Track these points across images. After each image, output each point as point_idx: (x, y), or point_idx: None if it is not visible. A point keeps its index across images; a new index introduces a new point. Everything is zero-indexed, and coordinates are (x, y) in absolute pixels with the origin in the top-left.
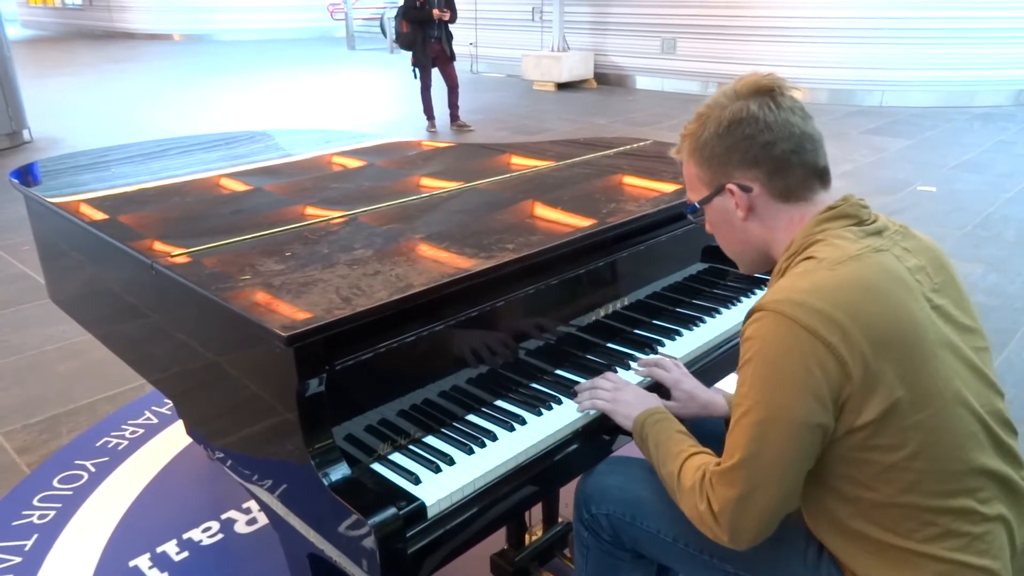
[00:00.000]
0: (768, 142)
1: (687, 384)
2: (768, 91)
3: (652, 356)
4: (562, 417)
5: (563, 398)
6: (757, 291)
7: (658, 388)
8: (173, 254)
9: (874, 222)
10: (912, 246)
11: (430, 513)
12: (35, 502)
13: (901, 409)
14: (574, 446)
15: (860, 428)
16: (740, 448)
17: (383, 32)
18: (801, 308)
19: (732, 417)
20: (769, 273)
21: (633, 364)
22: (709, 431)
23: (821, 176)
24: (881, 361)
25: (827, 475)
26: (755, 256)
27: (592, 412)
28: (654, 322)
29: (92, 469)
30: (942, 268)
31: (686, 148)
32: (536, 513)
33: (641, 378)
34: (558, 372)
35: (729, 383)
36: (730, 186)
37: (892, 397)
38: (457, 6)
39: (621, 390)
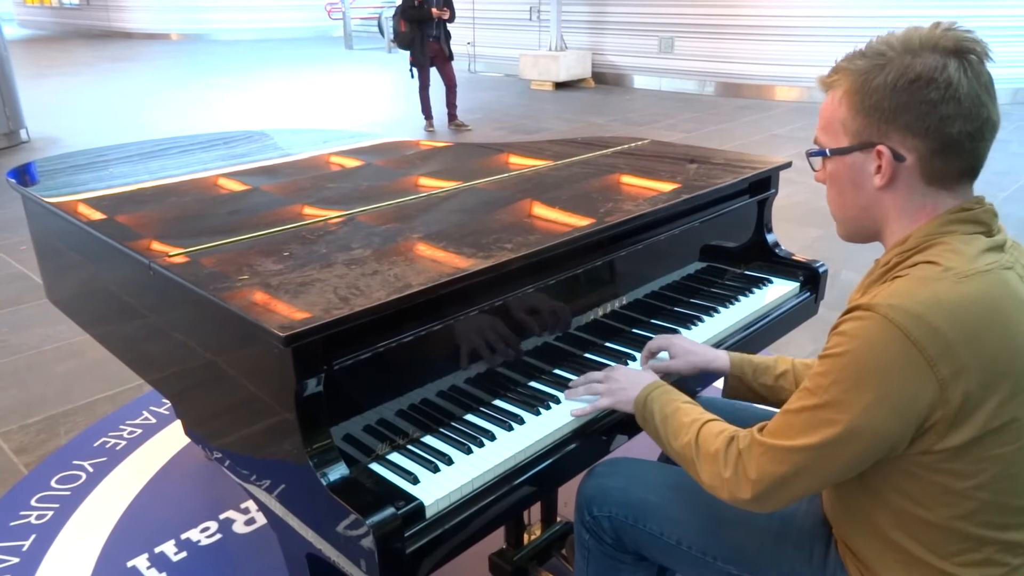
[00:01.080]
0: (949, 116)
1: (681, 341)
2: (971, 52)
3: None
4: (560, 417)
5: (562, 397)
6: (755, 290)
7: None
8: (171, 254)
9: (999, 233)
10: None
11: (428, 513)
12: (33, 502)
13: (988, 440)
14: (572, 446)
15: (939, 451)
16: (804, 436)
17: (381, 31)
18: (916, 321)
19: (799, 399)
20: (778, 274)
21: (632, 364)
22: (748, 418)
23: (975, 172)
24: (986, 392)
25: (882, 484)
26: (866, 228)
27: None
28: (652, 321)
29: (90, 469)
30: None
31: (844, 84)
32: (535, 512)
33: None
34: (556, 371)
35: None
36: (881, 148)
37: (986, 428)
38: (455, 5)
39: (612, 377)
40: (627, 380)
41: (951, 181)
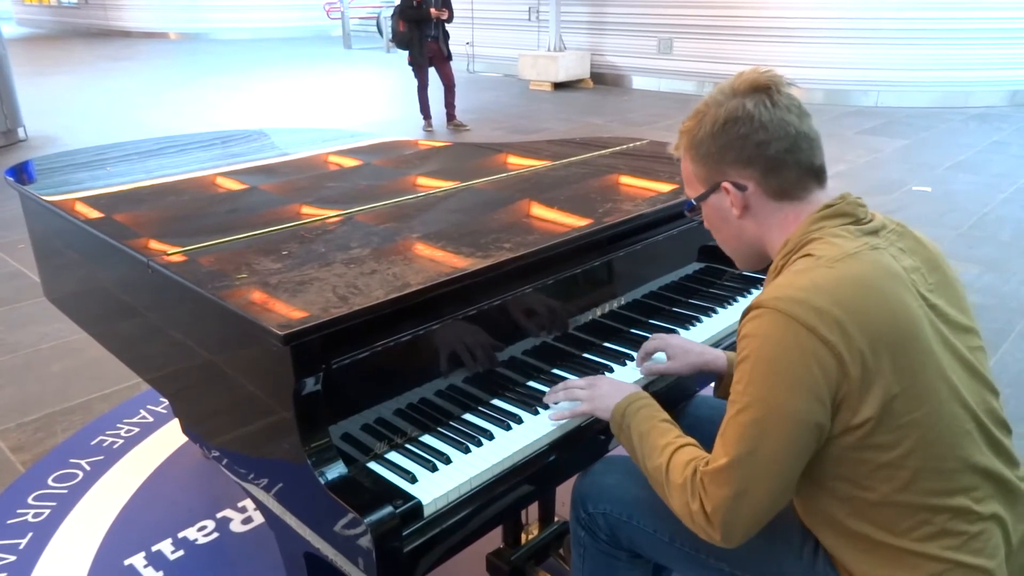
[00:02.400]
0: (762, 141)
1: (677, 341)
2: (765, 88)
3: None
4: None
5: (560, 398)
6: (753, 290)
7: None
8: (169, 252)
9: (870, 221)
10: (908, 246)
11: (426, 512)
12: (30, 500)
13: (897, 406)
14: (570, 446)
15: (856, 427)
16: (734, 446)
17: (379, 31)
18: (800, 306)
19: (727, 414)
20: (765, 271)
21: (616, 366)
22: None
23: (817, 175)
24: (879, 358)
25: (822, 475)
26: (751, 253)
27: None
28: (651, 321)
29: (87, 468)
30: (937, 268)
31: (683, 144)
32: (532, 512)
33: (640, 375)
34: (555, 371)
35: None
36: (725, 184)
37: (889, 394)
38: (454, 5)
39: (595, 384)
40: (609, 389)
41: (796, 191)
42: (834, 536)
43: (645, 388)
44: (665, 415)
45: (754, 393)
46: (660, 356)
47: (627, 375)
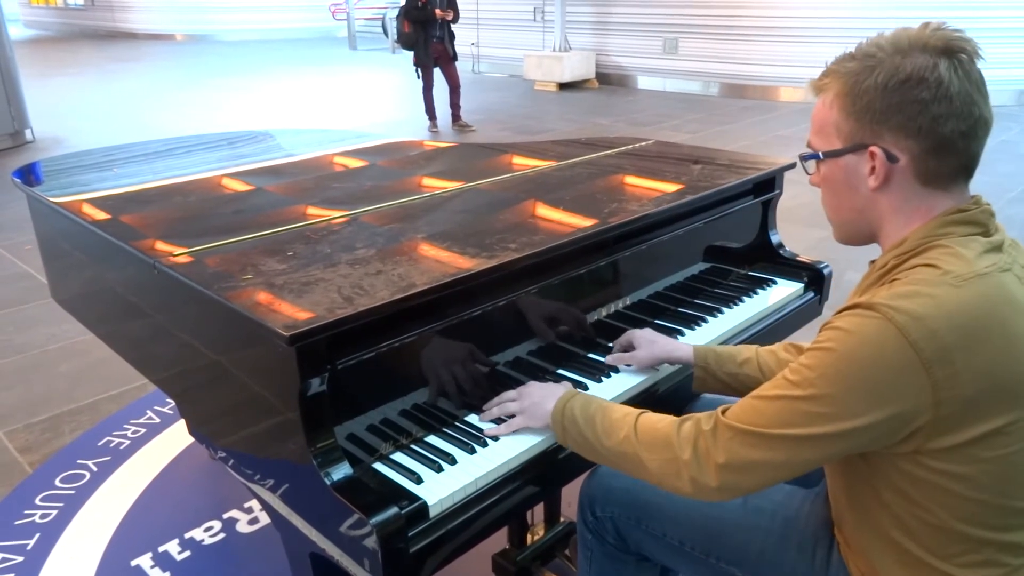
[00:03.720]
0: (941, 115)
1: (645, 333)
2: (961, 52)
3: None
4: None
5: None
6: (760, 291)
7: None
8: (175, 253)
9: (996, 232)
10: None
11: (432, 512)
12: (37, 501)
13: (984, 442)
14: None
15: (931, 451)
16: (781, 425)
17: (385, 32)
18: (917, 324)
19: (776, 387)
20: (782, 274)
21: (621, 367)
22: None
23: (970, 171)
24: (982, 397)
25: (881, 484)
26: (861, 229)
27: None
28: (656, 322)
29: (94, 468)
30: None
31: (835, 87)
32: (538, 513)
33: (640, 378)
34: (560, 371)
35: None
36: (874, 149)
37: (979, 432)
38: (459, 6)
39: (525, 394)
40: (540, 394)
41: (946, 181)
42: (872, 540)
43: (650, 390)
44: (605, 399)
45: (823, 387)
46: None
47: (630, 378)
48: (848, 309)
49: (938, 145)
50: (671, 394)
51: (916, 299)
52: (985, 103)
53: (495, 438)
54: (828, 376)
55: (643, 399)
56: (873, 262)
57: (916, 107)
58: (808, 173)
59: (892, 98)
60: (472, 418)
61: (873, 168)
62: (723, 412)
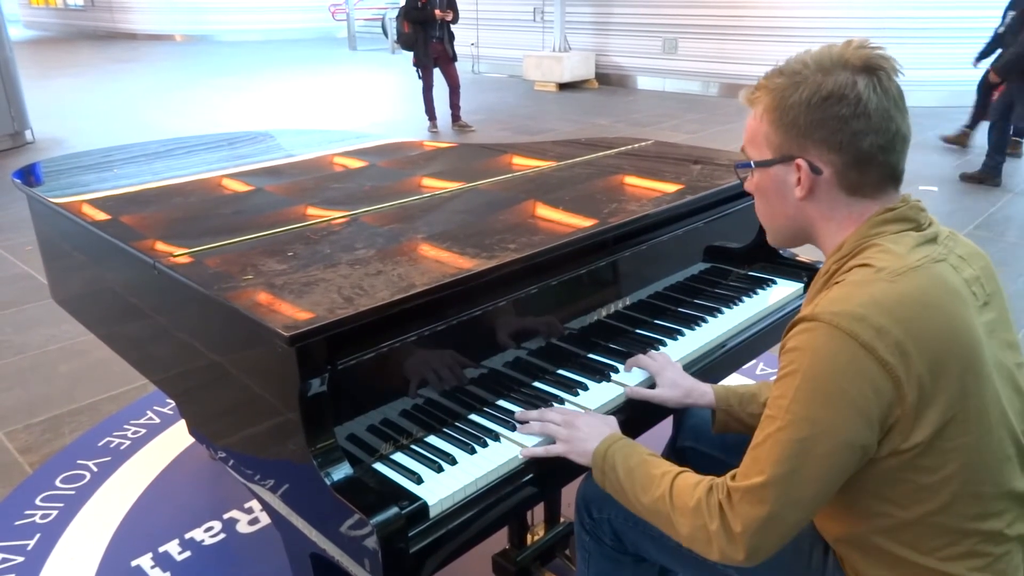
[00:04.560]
0: (860, 131)
1: (670, 372)
2: (879, 69)
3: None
4: None
5: (565, 398)
6: (759, 291)
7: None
8: (175, 254)
9: (929, 226)
10: (965, 253)
11: (432, 513)
12: (37, 502)
13: (948, 431)
14: None
15: (905, 450)
16: (774, 464)
17: (384, 32)
18: (861, 324)
19: (762, 429)
20: (783, 274)
21: (621, 367)
22: (732, 443)
23: (898, 180)
24: (937, 383)
25: (857, 493)
26: (793, 234)
27: (614, 400)
28: (656, 322)
29: (94, 469)
30: (992, 277)
31: (764, 101)
32: (538, 513)
33: (621, 390)
34: (560, 372)
35: (730, 381)
36: (799, 161)
37: (943, 419)
38: (459, 6)
39: (572, 424)
40: (587, 430)
41: (871, 190)
42: (854, 550)
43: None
44: (649, 450)
45: (798, 411)
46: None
47: (631, 379)
48: (794, 326)
49: (858, 159)
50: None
51: (853, 300)
52: (903, 118)
53: (495, 438)
54: (799, 399)
55: (641, 403)
56: (819, 270)
57: (837, 123)
58: (741, 180)
59: (815, 114)
60: (473, 417)
61: (799, 179)
62: (732, 476)
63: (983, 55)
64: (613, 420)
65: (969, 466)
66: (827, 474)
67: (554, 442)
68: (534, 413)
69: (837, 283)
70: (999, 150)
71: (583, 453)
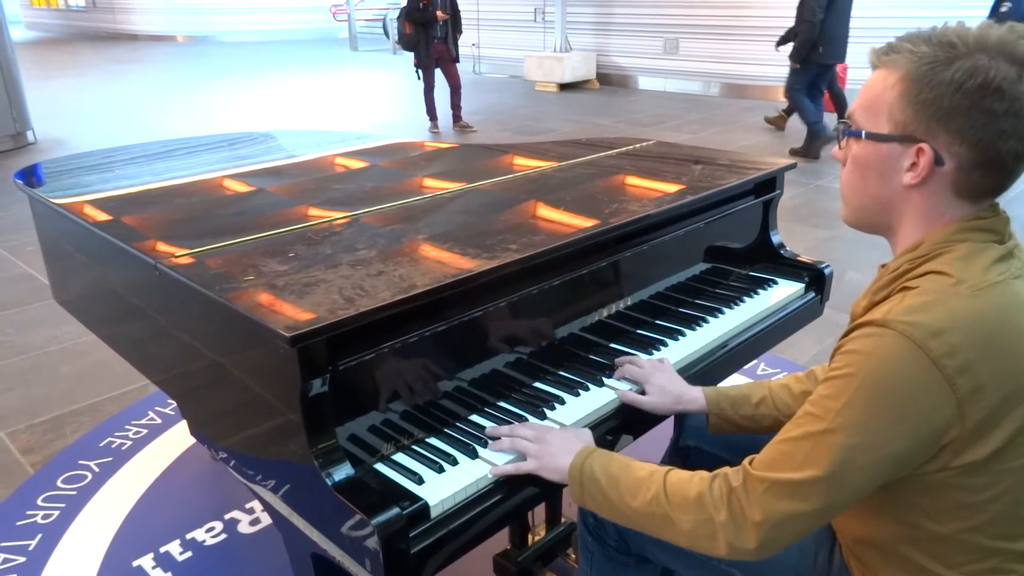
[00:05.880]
0: (1005, 131)
1: (659, 378)
2: None
3: (624, 357)
4: (565, 418)
5: (566, 398)
6: (760, 291)
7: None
8: (177, 255)
9: (1010, 239)
10: None
11: (433, 513)
12: (39, 502)
13: (1006, 453)
14: None
15: (955, 467)
16: (817, 466)
17: (386, 33)
18: (936, 339)
19: (801, 426)
20: (784, 274)
21: (607, 380)
22: (736, 442)
23: (1005, 191)
24: (1007, 407)
25: (892, 500)
26: (875, 219)
27: (615, 400)
28: (657, 322)
29: (96, 469)
30: None
31: (904, 68)
32: (539, 513)
33: (614, 394)
34: (561, 372)
35: (732, 381)
36: (924, 146)
37: (1004, 442)
38: (460, 8)
39: (543, 439)
40: (558, 444)
41: (980, 195)
42: (872, 551)
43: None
44: (627, 457)
45: (851, 416)
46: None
47: (626, 385)
48: (859, 328)
49: (991, 160)
50: None
51: (931, 312)
52: None
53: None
54: (853, 403)
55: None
56: (884, 265)
57: (985, 117)
58: (836, 141)
59: (963, 100)
60: (474, 418)
61: (915, 164)
62: (751, 463)
63: (783, 40)
64: (588, 433)
65: (1017, 488)
66: (866, 483)
67: (526, 459)
68: (504, 429)
69: (909, 287)
70: (819, 116)
71: (556, 469)
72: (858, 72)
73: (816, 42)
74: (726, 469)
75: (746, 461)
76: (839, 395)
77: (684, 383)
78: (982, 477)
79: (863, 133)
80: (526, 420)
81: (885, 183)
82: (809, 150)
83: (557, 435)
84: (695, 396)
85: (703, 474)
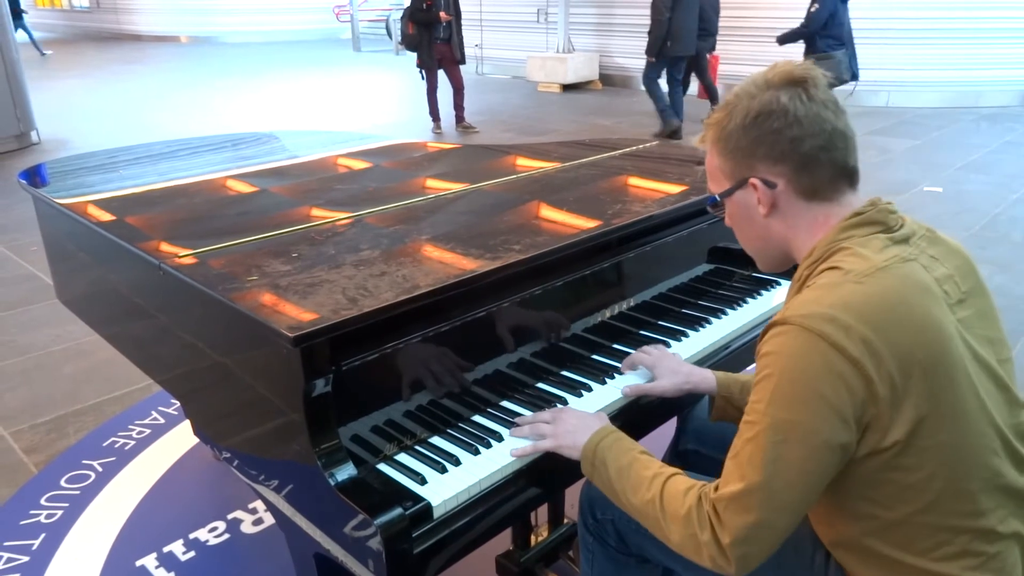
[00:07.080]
0: (796, 137)
1: (668, 361)
2: (800, 82)
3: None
4: None
5: (569, 399)
6: (763, 292)
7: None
8: (180, 255)
9: (901, 227)
10: (939, 252)
11: (436, 513)
12: (42, 501)
13: (925, 428)
14: None
15: (884, 449)
16: (755, 470)
17: (388, 34)
18: (830, 324)
19: (741, 436)
20: (786, 275)
21: (616, 376)
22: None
23: (850, 176)
24: (908, 380)
25: (842, 495)
26: (775, 254)
27: (618, 401)
28: (660, 323)
29: (99, 469)
30: (970, 274)
31: (710, 137)
32: (542, 514)
33: (617, 394)
34: (564, 373)
35: None
36: (753, 180)
37: (918, 416)
38: (462, 8)
39: (560, 419)
40: (575, 424)
41: (829, 191)
42: (850, 554)
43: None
44: (640, 447)
45: (775, 414)
46: (642, 371)
47: (631, 379)
48: (768, 330)
49: (804, 162)
50: (659, 405)
51: (822, 302)
52: (837, 118)
53: (499, 439)
54: (776, 401)
55: (639, 403)
56: (793, 277)
57: (772, 136)
58: (721, 218)
59: (752, 133)
60: (477, 418)
61: (759, 198)
62: (716, 488)
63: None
64: (604, 415)
65: (951, 463)
66: (808, 476)
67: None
68: (525, 419)
69: (808, 287)
70: (666, 103)
71: (572, 446)
72: (729, 67)
73: (665, 38)
74: (707, 489)
75: (712, 486)
76: (763, 396)
77: (693, 365)
78: (911, 457)
79: (716, 197)
80: None
81: (755, 223)
82: (665, 132)
83: (574, 413)
84: (706, 375)
85: (696, 490)
